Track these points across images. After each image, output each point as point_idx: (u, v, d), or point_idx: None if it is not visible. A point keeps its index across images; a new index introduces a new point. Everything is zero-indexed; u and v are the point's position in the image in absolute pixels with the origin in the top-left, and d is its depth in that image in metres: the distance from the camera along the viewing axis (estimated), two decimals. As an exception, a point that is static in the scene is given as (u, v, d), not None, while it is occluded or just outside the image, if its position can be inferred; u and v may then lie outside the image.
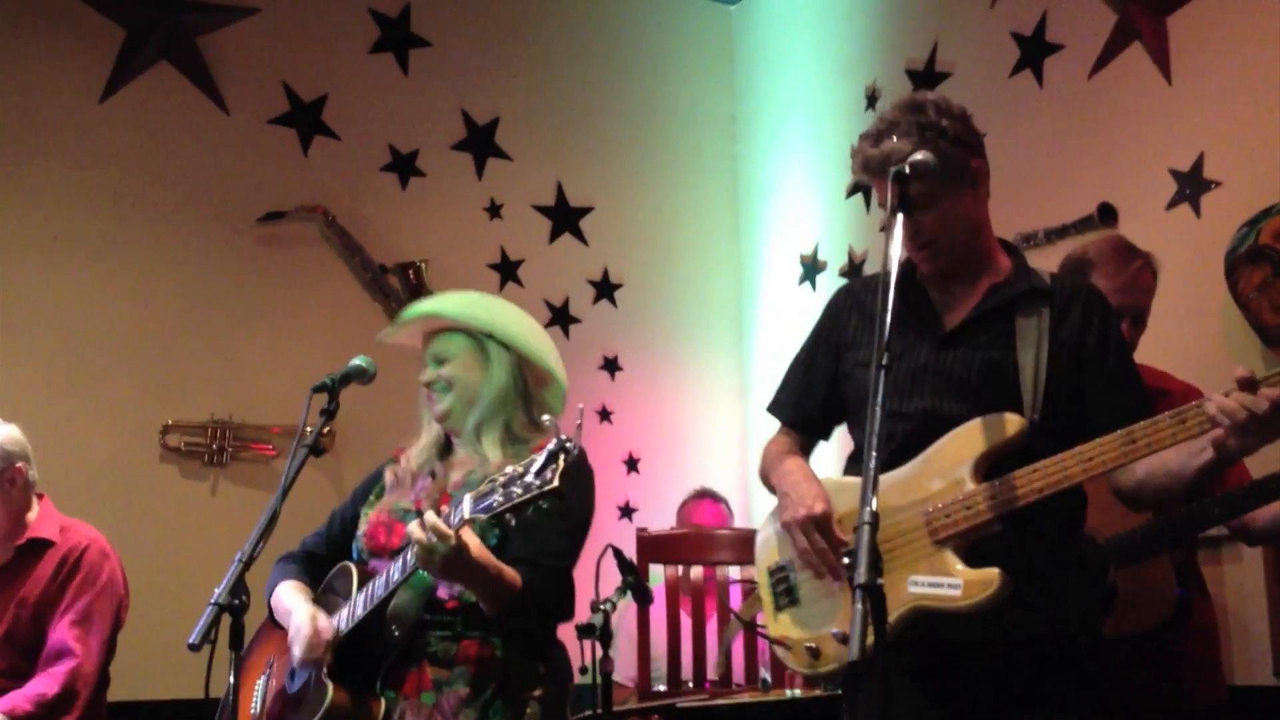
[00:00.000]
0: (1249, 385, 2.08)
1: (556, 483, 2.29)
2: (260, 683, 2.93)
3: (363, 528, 2.85)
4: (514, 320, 2.90)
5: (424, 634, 2.67)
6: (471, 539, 2.50)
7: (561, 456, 2.29)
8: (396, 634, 2.65)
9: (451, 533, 2.42)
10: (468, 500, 2.41)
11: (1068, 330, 2.39)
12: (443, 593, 2.69)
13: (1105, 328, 2.42)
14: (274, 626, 2.91)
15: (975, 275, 2.46)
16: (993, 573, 2.19)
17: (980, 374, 2.37)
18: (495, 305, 2.95)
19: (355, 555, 2.84)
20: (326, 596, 2.81)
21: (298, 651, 2.67)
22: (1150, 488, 2.35)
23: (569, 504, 2.49)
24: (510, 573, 2.59)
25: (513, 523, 2.38)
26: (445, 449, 2.92)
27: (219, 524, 4.82)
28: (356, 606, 2.66)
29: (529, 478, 2.31)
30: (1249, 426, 2.08)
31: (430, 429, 2.92)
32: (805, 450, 2.67)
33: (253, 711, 2.90)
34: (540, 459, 2.32)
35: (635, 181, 5.87)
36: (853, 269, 5.28)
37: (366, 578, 2.70)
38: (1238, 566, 3.65)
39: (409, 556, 2.53)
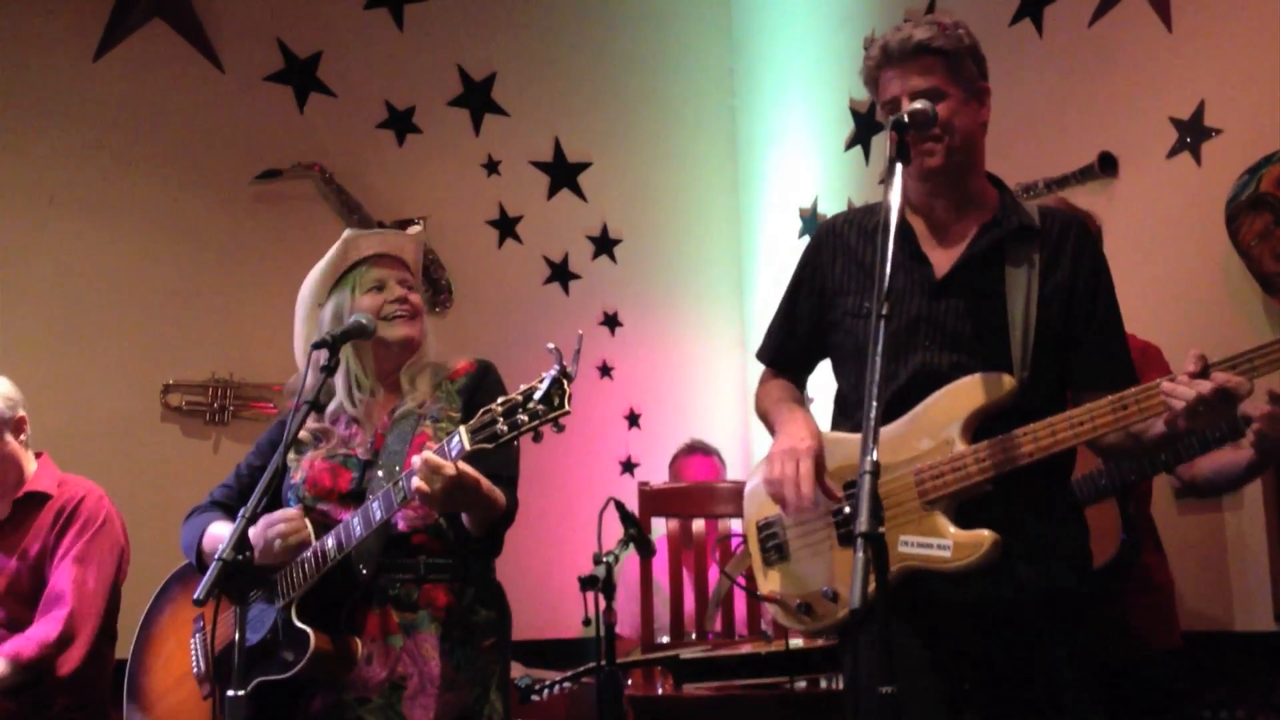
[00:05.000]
0: (1200, 370, 2.11)
1: (568, 407, 2.34)
2: (195, 640, 2.88)
3: (298, 476, 2.81)
4: None
5: (384, 576, 2.68)
6: (468, 466, 2.51)
7: (566, 382, 2.35)
8: (364, 572, 2.65)
9: (451, 467, 2.45)
10: (463, 432, 2.43)
11: (1059, 274, 2.39)
12: (402, 526, 2.70)
13: (1096, 273, 2.42)
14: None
15: (965, 206, 2.45)
16: (983, 534, 2.21)
17: (973, 326, 2.37)
18: None
19: (293, 503, 2.79)
20: None
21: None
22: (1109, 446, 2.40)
23: None
24: (496, 490, 2.65)
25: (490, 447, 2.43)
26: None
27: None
28: (328, 549, 2.63)
29: (534, 404, 2.35)
30: (1195, 410, 2.11)
31: (359, 372, 2.91)
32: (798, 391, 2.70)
33: (195, 671, 2.87)
34: (543, 386, 2.36)
35: (633, 136, 5.83)
36: (852, 221, 5.24)
37: (321, 523, 2.69)
38: (1238, 514, 3.66)
39: (393, 494, 2.53)
